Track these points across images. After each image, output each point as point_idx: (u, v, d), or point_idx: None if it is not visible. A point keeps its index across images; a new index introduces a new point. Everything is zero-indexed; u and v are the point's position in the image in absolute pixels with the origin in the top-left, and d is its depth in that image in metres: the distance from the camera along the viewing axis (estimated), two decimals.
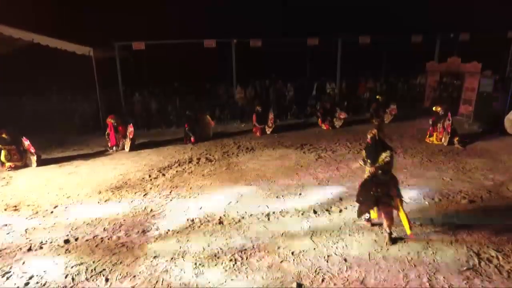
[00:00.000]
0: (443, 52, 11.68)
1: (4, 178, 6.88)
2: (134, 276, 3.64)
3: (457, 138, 8.06)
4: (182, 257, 3.95)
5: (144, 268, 3.77)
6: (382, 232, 4.21)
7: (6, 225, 4.88)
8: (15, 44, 9.79)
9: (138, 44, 11.27)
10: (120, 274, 3.68)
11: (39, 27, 9.28)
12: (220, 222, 4.73)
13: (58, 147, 9.01)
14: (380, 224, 4.29)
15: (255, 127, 9.84)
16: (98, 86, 10.39)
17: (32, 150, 7.46)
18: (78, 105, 11.28)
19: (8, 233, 4.64)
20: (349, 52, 12.10)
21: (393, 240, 4.05)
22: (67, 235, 4.53)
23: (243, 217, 4.85)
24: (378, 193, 3.97)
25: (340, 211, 4.93)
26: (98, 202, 5.57)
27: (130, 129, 8.52)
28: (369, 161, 4.15)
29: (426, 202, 5.16)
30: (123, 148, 8.66)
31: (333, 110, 10.33)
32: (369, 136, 4.16)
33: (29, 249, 4.22)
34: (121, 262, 3.89)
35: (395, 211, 4.05)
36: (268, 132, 9.84)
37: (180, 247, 4.15)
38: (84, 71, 10.09)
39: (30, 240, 4.42)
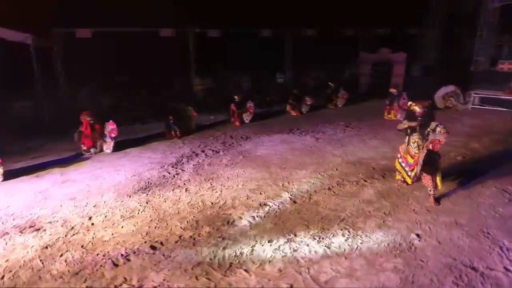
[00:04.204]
0: (374, 44, 13.69)
1: None
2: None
3: None
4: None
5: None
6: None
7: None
8: None
9: (83, 32, 9.79)
10: None
11: None
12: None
13: (6, 156, 7.23)
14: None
15: (234, 116, 9.81)
16: (38, 80, 8.68)
17: None
18: (13, 103, 9.12)
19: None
20: (297, 43, 13.07)
21: (437, 200, 4.75)
22: (157, 241, 3.99)
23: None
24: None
25: None
26: (147, 203, 4.92)
27: (111, 126, 7.45)
28: (414, 133, 4.75)
29: None
30: (102, 150, 7.56)
31: (300, 97, 11.06)
32: (418, 109, 4.75)
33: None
34: None
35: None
36: (247, 121, 9.93)
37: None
38: (22, 62, 8.29)
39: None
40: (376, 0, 12.62)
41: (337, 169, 6.05)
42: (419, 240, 3.82)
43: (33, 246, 3.98)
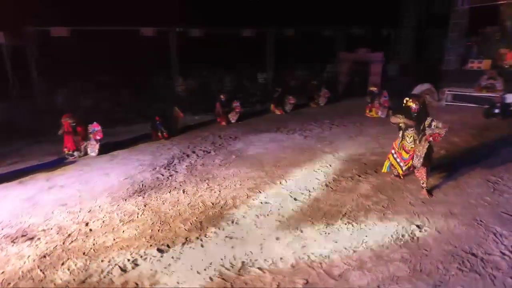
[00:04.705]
0: (352, 44, 14.08)
1: None
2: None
3: (391, 111, 10.15)
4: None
5: None
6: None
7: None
8: None
9: (59, 30, 9.33)
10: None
11: None
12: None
13: None
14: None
15: (220, 116, 9.74)
16: (11, 81, 8.19)
17: None
18: None
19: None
20: (278, 43, 13.19)
21: (429, 191, 4.97)
22: (163, 244, 3.89)
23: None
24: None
25: None
26: (145, 206, 4.78)
27: (96, 128, 7.17)
28: (410, 128, 4.95)
29: None
30: (86, 153, 7.26)
31: (283, 96, 11.17)
32: (413, 105, 4.97)
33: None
34: None
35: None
36: (233, 121, 9.89)
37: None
38: None
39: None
40: (353, 2, 12.97)
41: (330, 166, 6.18)
42: (420, 231, 4.00)
43: (29, 256, 3.76)
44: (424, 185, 4.92)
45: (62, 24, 9.31)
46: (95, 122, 7.22)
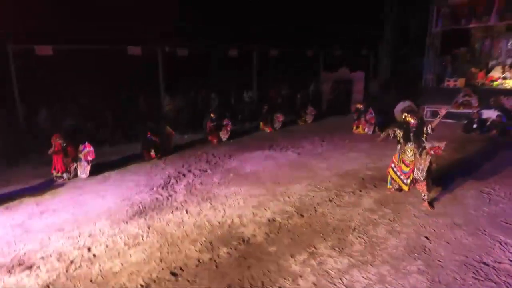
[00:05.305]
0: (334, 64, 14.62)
1: None
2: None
3: (377, 127, 10.49)
4: None
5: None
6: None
7: None
8: None
9: (44, 49, 9.07)
10: None
11: None
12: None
13: None
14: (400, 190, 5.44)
15: (211, 135, 9.68)
16: None
17: None
18: None
19: None
20: (263, 63, 13.48)
21: (430, 204, 5.13)
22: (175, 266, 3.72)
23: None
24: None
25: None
26: (148, 228, 4.59)
27: (87, 149, 6.90)
28: (409, 142, 5.15)
29: None
30: (76, 175, 6.94)
31: (272, 114, 11.30)
32: (412, 120, 5.17)
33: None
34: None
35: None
36: (224, 139, 9.85)
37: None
38: None
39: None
40: (335, 23, 13.56)
41: (330, 182, 6.25)
42: (430, 242, 4.09)
43: (30, 287, 3.49)
44: (425, 197, 5.06)
45: (46, 42, 9.07)
46: (86, 142, 6.97)
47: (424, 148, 4.89)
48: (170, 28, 11.07)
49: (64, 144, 6.80)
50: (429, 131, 4.93)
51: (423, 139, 4.95)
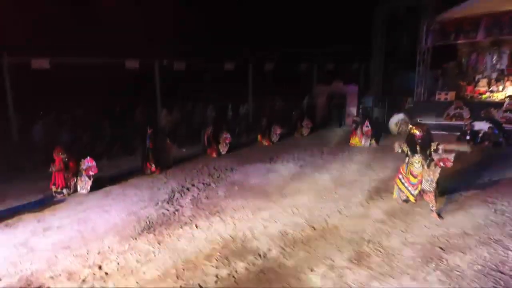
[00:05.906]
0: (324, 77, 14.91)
1: None
2: None
3: (373, 139, 10.64)
4: None
5: None
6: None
7: None
8: None
9: (40, 62, 8.93)
10: None
11: None
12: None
13: None
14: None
15: (210, 148, 9.62)
16: None
17: None
18: None
19: None
20: (258, 76, 13.64)
21: (439, 214, 5.21)
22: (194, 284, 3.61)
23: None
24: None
25: None
26: (159, 243, 4.47)
27: (89, 164, 6.74)
28: (416, 154, 5.23)
29: None
30: (76, 190, 6.75)
31: (270, 127, 11.35)
32: (418, 132, 5.27)
33: None
34: None
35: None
36: (223, 152, 9.81)
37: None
38: None
39: None
40: (327, 39, 13.91)
41: (336, 193, 6.28)
42: (445, 252, 4.12)
43: None
44: (434, 208, 5.13)
45: (42, 55, 8.95)
46: (88, 157, 6.81)
47: (432, 159, 4.98)
48: (167, 42, 11.12)
49: (66, 159, 6.63)
50: (439, 149, 4.97)
51: (428, 153, 5.03)
